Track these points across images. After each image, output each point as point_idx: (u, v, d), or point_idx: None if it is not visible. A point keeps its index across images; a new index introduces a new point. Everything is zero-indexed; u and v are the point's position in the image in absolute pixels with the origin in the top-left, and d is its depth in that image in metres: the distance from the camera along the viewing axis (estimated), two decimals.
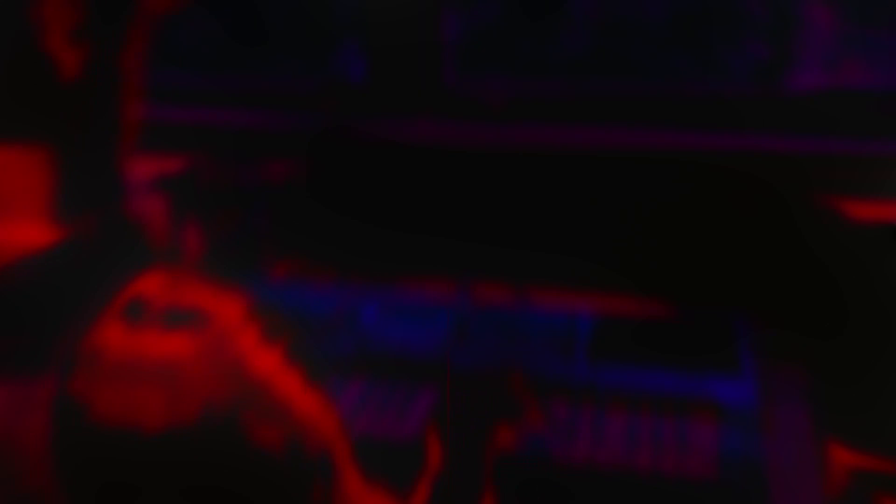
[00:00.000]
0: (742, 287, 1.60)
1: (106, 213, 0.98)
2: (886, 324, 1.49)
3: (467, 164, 1.74)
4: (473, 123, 1.81)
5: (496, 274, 1.73)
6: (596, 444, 1.27)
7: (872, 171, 1.57)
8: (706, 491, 1.18)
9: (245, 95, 1.95)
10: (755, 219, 1.59)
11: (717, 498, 1.18)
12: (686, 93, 1.71)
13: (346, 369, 1.48)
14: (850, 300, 1.53)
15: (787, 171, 1.59)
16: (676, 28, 1.72)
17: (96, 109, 0.95)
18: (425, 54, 1.84)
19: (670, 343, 1.48)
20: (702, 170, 1.62)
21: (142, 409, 0.86)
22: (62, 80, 0.92)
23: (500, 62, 1.84)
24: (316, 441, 0.93)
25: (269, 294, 1.68)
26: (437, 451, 1.17)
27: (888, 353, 1.46)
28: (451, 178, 1.75)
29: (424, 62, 1.84)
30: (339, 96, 1.91)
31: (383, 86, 1.88)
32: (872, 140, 1.60)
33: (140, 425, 0.86)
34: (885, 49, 1.62)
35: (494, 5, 1.82)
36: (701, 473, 1.21)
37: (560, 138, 1.71)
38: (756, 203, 1.59)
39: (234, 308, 0.95)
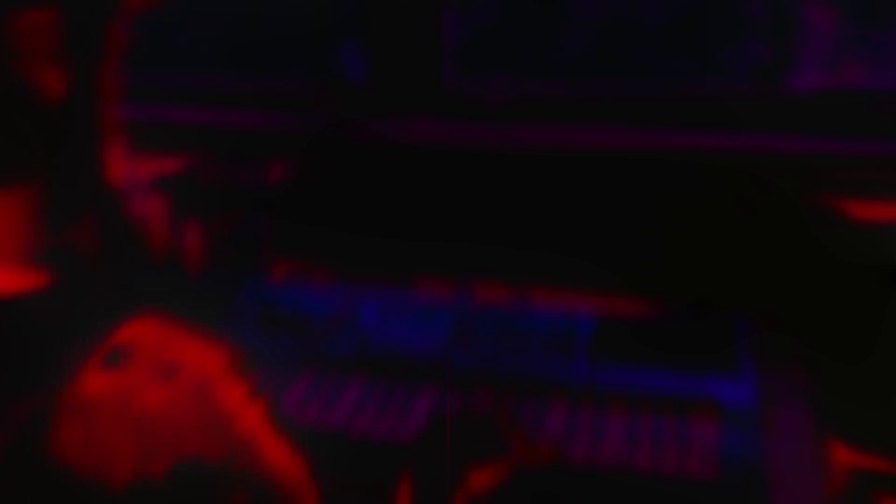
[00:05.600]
0: (742, 287, 1.60)
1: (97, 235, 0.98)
2: (886, 324, 1.49)
3: (467, 164, 1.74)
4: (473, 123, 1.81)
5: (496, 274, 1.73)
6: (596, 444, 1.27)
7: (872, 171, 1.57)
8: (706, 491, 1.18)
9: (245, 95, 1.95)
10: (755, 219, 1.59)
11: (717, 498, 1.18)
12: (686, 93, 1.71)
13: (346, 369, 1.48)
14: (849, 300, 1.53)
15: (787, 171, 1.59)
16: (676, 28, 1.72)
17: (80, 127, 0.95)
18: (425, 54, 1.84)
19: (670, 343, 1.48)
20: (702, 170, 1.62)
21: (113, 459, 0.85)
22: (46, 102, 0.92)
23: (500, 62, 1.84)
24: (283, 493, 0.93)
25: (269, 294, 1.68)
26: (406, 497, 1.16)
27: (888, 353, 1.46)
28: (451, 178, 1.75)
29: (424, 62, 1.84)
30: (339, 96, 1.91)
31: (383, 86, 1.88)
32: (872, 140, 1.60)
33: (109, 475, 0.85)
34: (885, 49, 1.62)
35: (494, 5, 1.82)
36: (701, 473, 1.21)
37: (560, 138, 1.71)
38: (756, 203, 1.59)
39: (212, 362, 0.94)
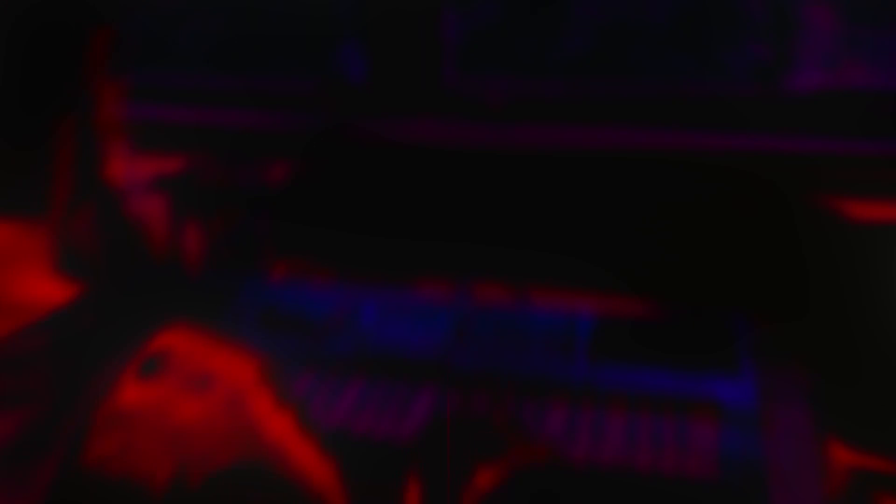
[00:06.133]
0: (742, 287, 1.60)
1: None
2: (887, 323, 1.49)
3: (467, 164, 1.74)
4: (473, 123, 1.81)
5: (496, 274, 1.73)
6: (596, 444, 1.27)
7: (872, 171, 1.57)
8: (706, 491, 1.18)
9: (245, 95, 1.95)
10: (755, 219, 1.59)
11: (717, 498, 1.18)
12: (686, 93, 1.71)
13: (346, 369, 1.48)
14: (849, 300, 1.53)
15: (787, 171, 1.59)
16: (676, 28, 1.72)
17: (86, 128, 0.96)
18: (425, 54, 1.84)
19: (670, 343, 1.48)
20: (701, 170, 1.62)
21: (149, 469, 0.85)
22: (101, 117, 0.94)
23: (500, 62, 1.84)
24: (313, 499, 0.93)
25: (269, 294, 1.68)
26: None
27: (889, 352, 1.46)
28: (451, 178, 1.75)
29: (424, 62, 1.85)
30: (339, 96, 1.91)
31: (383, 86, 1.88)
32: (872, 140, 1.60)
33: (145, 485, 0.85)
34: (885, 49, 1.62)
35: (494, 5, 1.82)
36: (701, 473, 1.21)
37: (560, 138, 1.71)
38: (756, 203, 1.59)
39: (245, 374, 0.94)
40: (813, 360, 1.46)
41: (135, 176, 1.78)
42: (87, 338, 0.90)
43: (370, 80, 1.88)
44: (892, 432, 1.34)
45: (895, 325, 1.48)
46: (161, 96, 1.98)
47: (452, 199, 1.75)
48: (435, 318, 1.58)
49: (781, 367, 1.44)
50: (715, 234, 1.61)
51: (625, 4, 1.74)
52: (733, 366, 1.42)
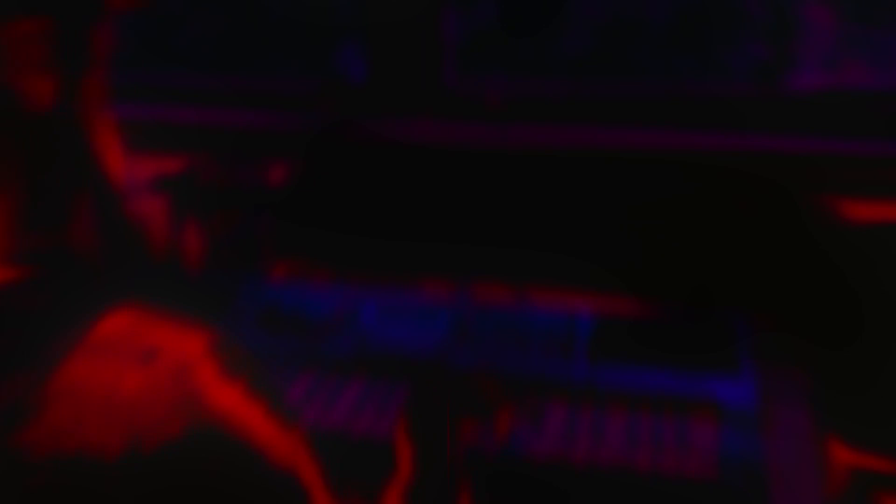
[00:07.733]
0: (742, 287, 1.60)
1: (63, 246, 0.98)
2: (887, 324, 1.49)
3: (467, 164, 1.74)
4: (473, 123, 1.81)
5: (496, 274, 1.73)
6: (596, 444, 1.27)
7: (872, 171, 1.57)
8: (706, 491, 1.18)
9: (245, 95, 1.95)
10: (755, 219, 1.59)
11: (717, 498, 1.18)
12: (686, 93, 1.71)
13: (346, 369, 1.48)
14: (849, 300, 1.53)
15: (787, 171, 1.59)
16: (676, 28, 1.72)
17: (72, 130, 0.95)
18: (425, 54, 1.84)
19: (670, 343, 1.48)
20: (702, 170, 1.62)
21: (98, 446, 0.86)
22: (36, 109, 0.93)
23: (500, 62, 1.84)
24: (281, 466, 0.93)
25: (269, 294, 1.68)
26: (407, 456, 1.16)
27: (889, 352, 1.46)
28: (451, 178, 1.75)
29: (424, 62, 1.84)
30: (339, 96, 1.91)
31: (383, 86, 1.88)
32: (872, 140, 1.60)
33: (96, 462, 0.85)
34: (885, 49, 1.62)
35: (494, 5, 1.82)
36: (701, 473, 1.21)
37: (560, 138, 1.71)
38: (756, 203, 1.59)
39: (194, 345, 0.95)
40: (813, 361, 1.46)
41: (135, 176, 1.78)
42: (31, 318, 0.90)
43: (370, 80, 1.88)
44: (892, 432, 1.34)
45: (895, 324, 1.48)
46: (161, 96, 1.98)
47: (452, 199, 1.75)
48: (435, 318, 1.58)
49: (782, 367, 1.44)
50: (715, 234, 1.61)
51: (625, 4, 1.74)
52: (733, 366, 1.42)
